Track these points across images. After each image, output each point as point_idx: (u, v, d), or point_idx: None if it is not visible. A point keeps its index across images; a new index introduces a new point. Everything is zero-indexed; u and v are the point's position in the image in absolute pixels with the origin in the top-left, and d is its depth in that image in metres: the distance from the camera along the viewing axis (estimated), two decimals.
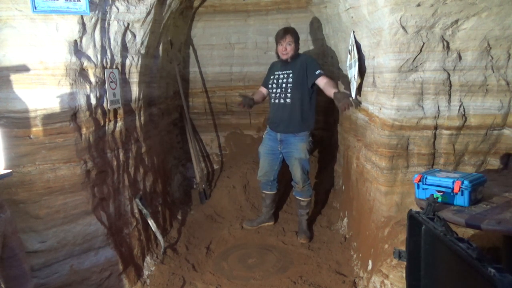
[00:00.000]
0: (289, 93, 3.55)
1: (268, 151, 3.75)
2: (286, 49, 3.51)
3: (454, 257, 1.23)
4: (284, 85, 3.58)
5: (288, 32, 3.52)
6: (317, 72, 3.46)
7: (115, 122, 3.07)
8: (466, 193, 1.85)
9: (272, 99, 3.70)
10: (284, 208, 4.30)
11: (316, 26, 4.47)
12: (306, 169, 3.65)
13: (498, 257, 1.92)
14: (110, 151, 3.02)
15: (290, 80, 3.56)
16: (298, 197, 3.76)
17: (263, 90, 3.87)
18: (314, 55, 4.69)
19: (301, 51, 4.73)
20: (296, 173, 3.62)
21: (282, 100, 3.60)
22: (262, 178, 3.84)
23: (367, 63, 2.94)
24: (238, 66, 4.90)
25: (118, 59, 3.01)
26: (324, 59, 4.54)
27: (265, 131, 3.85)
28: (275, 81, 3.66)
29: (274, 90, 3.66)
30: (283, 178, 4.07)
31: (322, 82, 3.43)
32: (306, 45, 4.71)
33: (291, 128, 3.58)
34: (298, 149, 3.56)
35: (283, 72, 3.61)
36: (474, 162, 2.63)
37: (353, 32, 3.02)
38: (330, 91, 3.29)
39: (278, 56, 3.67)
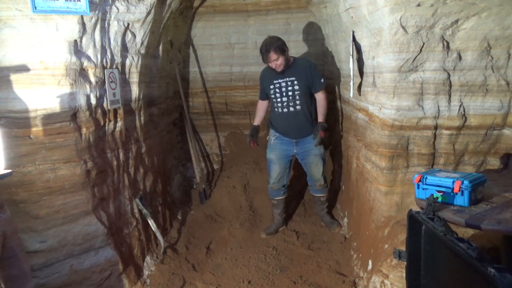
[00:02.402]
0: (297, 100, 3.50)
1: (281, 156, 3.64)
2: (276, 65, 3.42)
3: (454, 257, 1.23)
4: (291, 93, 3.50)
5: (269, 51, 3.34)
6: (322, 80, 3.51)
7: (115, 122, 3.07)
8: (466, 193, 1.85)
9: (279, 109, 3.58)
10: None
11: (316, 26, 4.47)
12: (325, 164, 3.69)
13: (498, 257, 1.92)
14: (110, 151, 3.02)
15: (296, 87, 3.48)
16: (318, 195, 3.74)
17: (265, 103, 3.76)
18: (314, 55, 4.69)
19: (301, 51, 4.76)
20: (318, 169, 3.61)
21: (292, 108, 3.53)
22: (276, 185, 3.71)
23: (367, 63, 2.94)
24: (238, 66, 4.90)
25: (118, 59, 3.01)
26: (324, 59, 4.54)
27: (270, 137, 3.71)
28: (277, 90, 3.54)
29: (279, 99, 3.55)
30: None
31: (319, 96, 3.54)
32: (306, 45, 4.71)
33: (305, 132, 3.55)
34: (317, 146, 3.53)
35: (285, 80, 3.50)
36: (474, 162, 2.63)
37: (353, 32, 3.02)
38: (319, 113, 3.55)
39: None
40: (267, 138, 3.78)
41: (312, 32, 4.60)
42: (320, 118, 3.54)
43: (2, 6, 2.36)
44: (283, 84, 3.52)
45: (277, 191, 3.75)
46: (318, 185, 3.68)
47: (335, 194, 4.30)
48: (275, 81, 3.54)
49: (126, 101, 3.24)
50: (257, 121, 3.81)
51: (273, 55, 3.35)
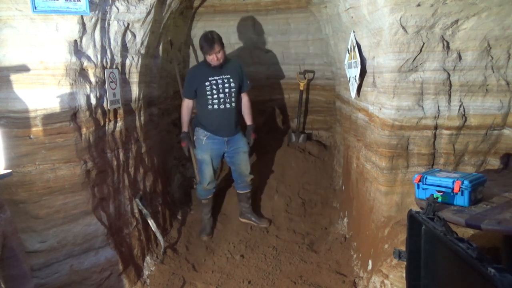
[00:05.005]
0: (233, 97, 3.59)
1: (214, 155, 3.67)
2: (217, 57, 3.42)
3: (454, 257, 1.23)
4: (227, 90, 3.56)
5: (214, 42, 3.38)
6: (248, 82, 3.72)
7: (115, 122, 3.07)
8: (466, 193, 1.85)
9: (214, 105, 3.55)
10: (284, 208, 4.29)
11: (316, 26, 4.47)
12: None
13: (498, 257, 1.92)
14: (110, 151, 3.02)
15: (232, 84, 3.57)
16: (245, 191, 3.88)
17: (191, 102, 3.69)
18: (314, 55, 4.69)
19: (300, 51, 4.76)
20: (246, 166, 3.79)
21: (228, 105, 3.58)
22: (210, 185, 3.75)
23: (367, 63, 2.94)
24: None
25: (118, 59, 3.01)
26: (324, 59, 4.54)
27: (200, 137, 3.65)
28: (214, 86, 3.52)
29: (216, 96, 3.54)
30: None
31: (245, 98, 3.76)
32: (306, 45, 4.71)
33: (235, 129, 3.69)
34: (244, 143, 3.73)
35: (221, 77, 3.53)
36: (474, 162, 2.63)
37: (353, 32, 3.02)
38: (246, 116, 3.81)
39: (204, 62, 3.53)
40: (194, 139, 3.76)
41: (312, 32, 4.60)
42: (249, 121, 3.82)
43: (2, 6, 2.36)
44: (220, 81, 3.55)
45: (209, 191, 3.81)
46: (248, 180, 3.82)
47: (334, 194, 4.30)
48: (210, 78, 3.53)
49: (126, 101, 3.24)
50: (186, 126, 3.73)
51: (217, 46, 3.40)
